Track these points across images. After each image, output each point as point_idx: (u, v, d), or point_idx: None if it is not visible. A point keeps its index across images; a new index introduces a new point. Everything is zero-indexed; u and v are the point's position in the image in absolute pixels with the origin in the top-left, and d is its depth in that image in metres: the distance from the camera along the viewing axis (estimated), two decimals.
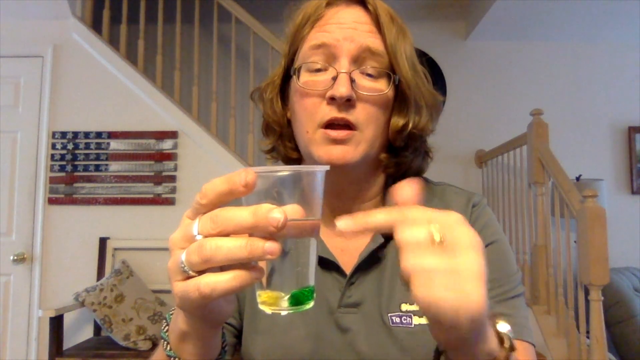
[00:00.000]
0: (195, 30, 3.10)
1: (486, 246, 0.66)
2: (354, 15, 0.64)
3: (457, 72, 3.76)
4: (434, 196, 0.72)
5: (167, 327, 0.51)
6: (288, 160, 0.73)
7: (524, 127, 2.91)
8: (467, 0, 3.70)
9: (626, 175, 3.73)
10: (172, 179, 2.91)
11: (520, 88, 3.76)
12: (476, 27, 3.58)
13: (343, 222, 0.38)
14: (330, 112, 0.61)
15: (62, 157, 2.92)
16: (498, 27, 3.56)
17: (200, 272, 0.38)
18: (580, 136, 3.71)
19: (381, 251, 0.67)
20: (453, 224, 0.36)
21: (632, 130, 3.73)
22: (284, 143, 0.71)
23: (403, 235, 0.36)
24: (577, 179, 3.38)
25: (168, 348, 0.50)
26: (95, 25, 3.07)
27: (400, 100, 0.65)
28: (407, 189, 0.39)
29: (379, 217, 0.38)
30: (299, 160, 0.72)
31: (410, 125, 0.65)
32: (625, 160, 3.73)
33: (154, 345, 2.42)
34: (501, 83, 3.78)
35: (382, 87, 0.63)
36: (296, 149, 0.70)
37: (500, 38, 3.75)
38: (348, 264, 0.66)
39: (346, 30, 0.63)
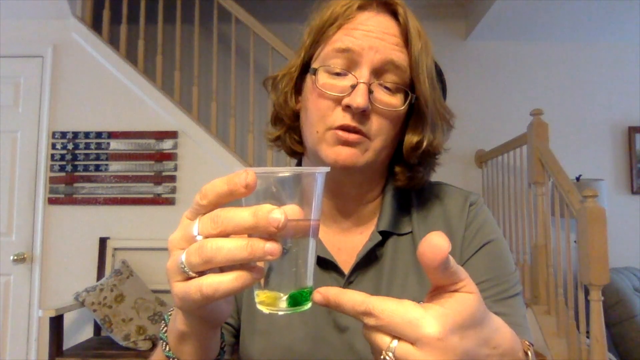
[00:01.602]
0: (195, 30, 3.10)
1: (483, 245, 0.66)
2: (383, 25, 0.63)
3: (457, 72, 3.75)
4: (431, 196, 0.72)
5: (165, 328, 0.51)
6: (291, 153, 0.73)
7: (524, 127, 2.91)
8: (467, 0, 3.71)
9: (626, 175, 3.73)
10: (172, 179, 2.91)
11: (520, 88, 3.76)
12: (476, 27, 3.58)
13: (318, 295, 0.39)
14: (344, 119, 0.61)
15: (62, 157, 2.92)
16: (498, 27, 3.56)
17: (200, 273, 0.38)
18: (580, 136, 3.71)
19: (379, 249, 0.67)
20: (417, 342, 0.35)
21: (632, 130, 3.73)
22: (290, 136, 0.71)
23: (366, 336, 0.38)
24: (577, 179, 3.38)
25: (167, 349, 0.50)
26: (95, 25, 3.07)
27: (416, 117, 0.65)
28: (439, 243, 0.35)
29: (348, 306, 0.38)
30: (302, 155, 0.72)
31: (425, 143, 0.65)
32: (625, 160, 3.73)
33: (154, 345, 2.41)
34: (501, 83, 3.78)
35: (398, 103, 0.63)
36: (301, 143, 0.70)
37: (500, 38, 3.75)
38: (346, 263, 0.67)
39: (373, 39, 0.62)
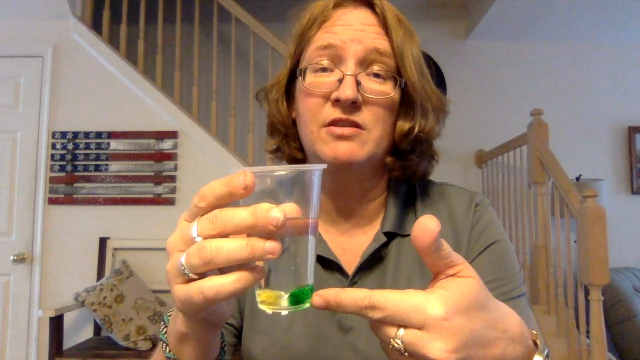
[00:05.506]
0: (195, 30, 3.10)
1: (488, 246, 0.66)
2: (361, 17, 0.64)
3: (457, 72, 3.76)
4: (436, 196, 0.72)
5: (165, 329, 0.51)
6: (293, 161, 0.73)
7: (524, 127, 2.90)
8: (467, 0, 3.71)
9: (626, 175, 3.73)
10: (172, 179, 2.91)
11: (520, 88, 3.76)
12: (476, 27, 3.58)
13: (317, 298, 0.39)
14: (335, 113, 0.61)
15: (62, 157, 2.92)
16: (498, 27, 3.56)
17: (201, 274, 0.38)
18: (580, 136, 3.71)
19: (383, 250, 0.67)
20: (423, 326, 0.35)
21: (632, 130, 3.72)
22: (288, 143, 0.71)
23: (374, 331, 0.38)
24: (577, 179, 3.38)
25: (167, 350, 0.50)
26: (95, 25, 3.07)
27: (406, 103, 0.65)
28: (429, 224, 0.36)
29: (350, 304, 0.37)
30: (303, 161, 0.72)
31: (417, 128, 0.65)
32: (625, 160, 3.73)
33: (154, 345, 2.41)
34: (501, 83, 3.78)
35: (389, 89, 0.63)
36: (301, 149, 0.70)
37: (500, 38, 3.75)
38: (350, 263, 0.66)
39: (353, 31, 0.62)
